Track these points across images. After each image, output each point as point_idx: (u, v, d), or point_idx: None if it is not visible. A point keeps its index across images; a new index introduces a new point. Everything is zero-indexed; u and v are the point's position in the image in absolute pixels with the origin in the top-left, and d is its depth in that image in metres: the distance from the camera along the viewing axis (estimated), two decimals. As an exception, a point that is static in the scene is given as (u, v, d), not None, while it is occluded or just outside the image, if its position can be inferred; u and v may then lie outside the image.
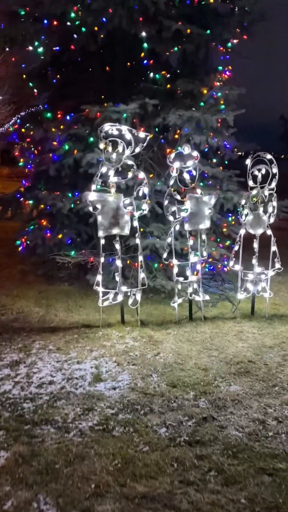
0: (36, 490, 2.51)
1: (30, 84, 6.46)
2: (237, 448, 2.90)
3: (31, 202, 6.14)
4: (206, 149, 6.03)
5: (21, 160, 6.45)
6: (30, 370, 3.89)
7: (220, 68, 6.29)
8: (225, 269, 6.34)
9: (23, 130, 6.20)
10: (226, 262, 6.18)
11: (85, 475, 2.63)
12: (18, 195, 6.35)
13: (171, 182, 4.83)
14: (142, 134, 4.65)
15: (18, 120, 6.67)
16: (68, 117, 5.68)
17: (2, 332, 4.67)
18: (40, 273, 6.27)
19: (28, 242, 6.10)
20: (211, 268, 6.35)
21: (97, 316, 5.00)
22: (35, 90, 6.68)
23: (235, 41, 6.23)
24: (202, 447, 2.90)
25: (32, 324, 4.96)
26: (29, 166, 6.46)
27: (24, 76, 6.56)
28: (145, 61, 5.78)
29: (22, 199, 6.28)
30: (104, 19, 5.26)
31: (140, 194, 4.76)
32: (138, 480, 2.60)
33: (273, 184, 4.86)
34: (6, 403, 3.39)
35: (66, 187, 5.84)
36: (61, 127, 5.58)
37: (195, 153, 4.80)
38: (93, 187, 4.64)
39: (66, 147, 5.53)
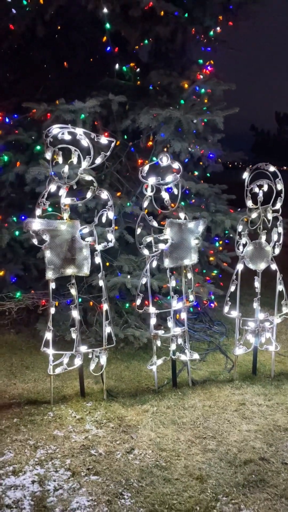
0: None
1: None
2: None
3: None
4: (187, 160, 5.07)
5: None
6: None
7: (201, 61, 5.41)
8: (211, 305, 5.43)
9: None
10: (213, 297, 5.24)
11: None
12: None
13: (145, 203, 3.75)
14: (104, 140, 3.56)
15: None
16: (7, 120, 4.71)
17: None
18: None
19: None
20: (196, 304, 5.35)
21: (48, 384, 3.84)
22: None
23: (218, 29, 5.33)
24: None
25: None
26: None
27: None
28: (108, 48, 4.90)
29: None
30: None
31: (104, 219, 3.71)
32: None
33: (278, 205, 3.84)
34: None
35: (8, 210, 4.86)
36: None
37: (176, 165, 3.74)
38: (38, 211, 3.50)
39: (6, 158, 4.57)
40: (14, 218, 4.70)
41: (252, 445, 3.12)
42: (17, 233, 4.59)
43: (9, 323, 5.00)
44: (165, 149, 4.78)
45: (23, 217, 4.67)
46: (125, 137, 5.01)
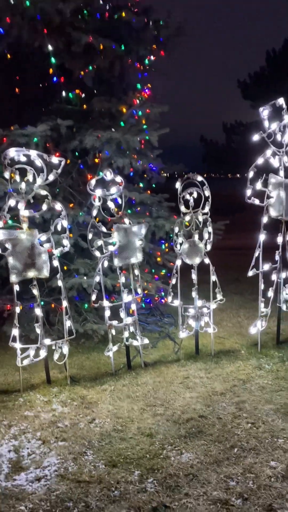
0: None
1: None
2: None
3: None
4: (132, 173, 5.70)
5: None
6: None
7: (139, 86, 6.09)
8: (162, 301, 6.01)
9: None
10: (163, 294, 5.85)
11: None
12: None
13: (94, 212, 4.34)
14: (55, 160, 4.10)
15: None
16: None
17: None
18: None
19: None
20: (148, 301, 5.96)
21: (17, 377, 4.30)
22: None
23: (152, 57, 6.05)
24: None
25: None
26: None
27: None
28: (55, 79, 5.42)
29: None
30: (1, 30, 4.75)
31: (59, 228, 4.21)
32: None
33: (207, 208, 4.55)
34: None
35: None
36: None
37: (119, 179, 4.37)
38: (0, 224, 3.98)
39: None
40: None
41: (193, 408, 3.73)
42: None
43: None
44: (111, 165, 5.36)
45: None
46: (76, 154, 5.49)
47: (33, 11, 4.72)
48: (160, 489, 2.77)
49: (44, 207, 4.12)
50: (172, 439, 3.30)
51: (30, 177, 3.99)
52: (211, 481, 2.83)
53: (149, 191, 6.14)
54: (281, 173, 4.73)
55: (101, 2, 5.52)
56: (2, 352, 4.99)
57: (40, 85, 5.85)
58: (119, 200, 4.45)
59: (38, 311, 4.18)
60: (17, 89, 5.84)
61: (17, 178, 3.99)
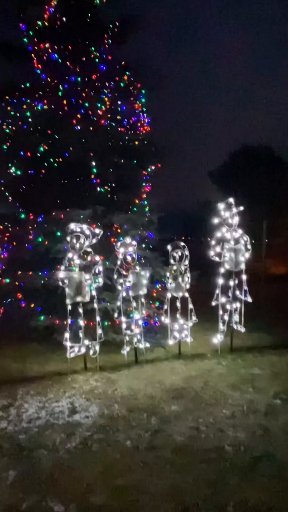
0: (43, 494, 2.69)
1: (7, 194, 6.57)
2: (181, 448, 3.26)
3: (7, 280, 6.14)
4: (138, 238, 6.63)
5: None
6: (19, 411, 3.98)
7: (144, 184, 7.05)
8: (156, 324, 6.64)
9: (1, 226, 6.37)
10: (157, 319, 6.51)
11: (77, 480, 2.86)
12: None
13: (118, 262, 5.34)
14: (97, 230, 5.15)
15: None
16: (40, 218, 5.99)
17: None
18: (13, 336, 6.18)
19: (5, 311, 6.08)
20: (146, 324, 6.77)
21: (65, 366, 5.12)
22: (8, 195, 6.71)
23: (152, 167, 7.09)
24: (157, 450, 3.22)
25: (13, 376, 4.97)
26: (3, 254, 6.43)
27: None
28: (94, 180, 6.32)
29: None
30: (66, 153, 5.98)
31: (97, 271, 5.14)
32: (114, 479, 2.86)
33: (186, 262, 5.67)
34: (4, 437, 3.47)
35: (37, 268, 5.99)
36: (35, 225, 5.93)
37: (134, 242, 5.45)
38: (62, 268, 5.03)
39: (39, 239, 5.79)
40: (40, 273, 5.94)
41: (177, 383, 4.60)
42: (42, 281, 5.86)
43: (35, 337, 6.04)
44: (126, 233, 6.24)
45: (45, 272, 5.88)
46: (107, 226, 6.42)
47: (86, 146, 5.74)
48: (159, 422, 3.68)
49: (88, 258, 5.20)
50: (165, 399, 4.19)
51: (81, 240, 5.12)
52: (188, 419, 3.74)
53: (148, 250, 7.09)
54: (232, 242, 5.66)
55: (126, 137, 6.52)
56: (52, 352, 5.73)
57: (84, 183, 6.40)
58: (133, 255, 5.44)
59: (81, 323, 5.14)
60: (65, 181, 6.44)
61: (74, 241, 5.04)
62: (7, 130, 6.46)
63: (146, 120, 7.02)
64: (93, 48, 6.65)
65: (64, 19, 6.57)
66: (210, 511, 2.55)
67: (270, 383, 4.61)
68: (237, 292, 5.77)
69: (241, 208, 5.76)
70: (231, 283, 5.73)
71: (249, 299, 5.76)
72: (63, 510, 2.54)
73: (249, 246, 5.74)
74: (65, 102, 6.36)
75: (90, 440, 3.39)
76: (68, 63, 6.53)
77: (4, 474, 2.93)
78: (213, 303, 5.75)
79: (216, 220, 5.71)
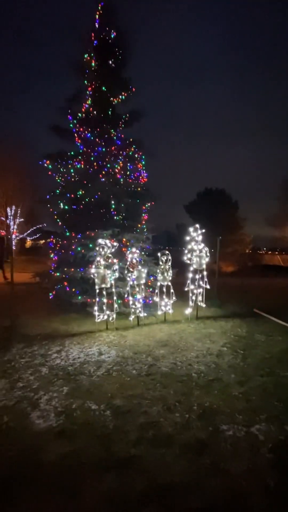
0: (84, 399, 2.94)
1: (58, 220, 6.57)
2: (166, 374, 3.50)
3: (58, 274, 6.28)
4: (140, 248, 6.66)
5: (51, 254, 6.55)
6: (67, 353, 4.16)
7: (143, 214, 7.11)
8: (150, 301, 6.65)
9: (54, 240, 6.64)
10: (151, 298, 6.55)
11: (104, 391, 3.11)
12: (50, 271, 6.55)
13: (127, 263, 5.56)
14: (114, 243, 5.47)
15: (51, 236, 6.95)
16: (79, 235, 6.18)
17: (48, 338, 4.81)
18: (61, 309, 6.27)
19: (56, 293, 6.19)
20: (144, 301, 6.97)
21: (94, 327, 5.28)
22: (58, 221, 6.74)
23: (148, 204, 7.17)
24: (152, 376, 3.46)
25: (62, 333, 5.12)
26: (55, 257, 6.56)
27: (55, 215, 6.60)
28: (112, 212, 6.48)
29: (52, 272, 6.47)
30: (96, 196, 6.25)
31: (114, 268, 5.35)
32: (126, 391, 3.09)
33: (169, 263, 5.93)
34: (59, 368, 3.68)
35: (77, 266, 6.11)
36: (75, 240, 6.15)
37: (137, 251, 5.69)
38: (93, 266, 5.30)
39: (79, 249, 5.96)
40: (78, 269, 6.06)
41: (164, 338, 4.78)
42: (80, 275, 6.10)
43: (74, 309, 6.07)
44: (132, 245, 6.32)
45: (81, 269, 5.98)
46: (121, 241, 6.65)
47: (107, 192, 5.83)
48: (152, 360, 3.89)
49: (109, 260, 5.47)
50: (156, 346, 4.39)
51: (106, 249, 5.40)
52: (170, 358, 3.96)
53: (145, 255, 7.13)
54: (197, 251, 5.89)
55: (132, 185, 6.61)
56: (85, 319, 5.81)
57: (106, 213, 6.34)
58: (136, 259, 5.66)
59: (104, 300, 5.34)
60: (92, 212, 6.43)
61: (101, 250, 5.31)
62: (58, 180, 6.72)
63: (145, 175, 7.18)
64: (112, 130, 6.88)
65: (95, 112, 6.84)
66: (183, 408, 2.84)
67: (220, 338, 4.85)
68: (201, 282, 5.97)
69: (203, 230, 6.05)
70: (197, 276, 5.94)
71: (208, 286, 5.98)
72: (97, 408, 2.81)
73: (208, 254, 5.98)
74: (95, 164, 6.57)
75: (111, 370, 3.60)
76: (97, 139, 6.76)
77: (61, 389, 3.17)
78: (186, 289, 5.94)
79: (188, 237, 6.00)
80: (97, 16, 6.89)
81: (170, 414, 2.72)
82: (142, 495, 1.79)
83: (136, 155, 6.99)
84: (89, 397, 2.98)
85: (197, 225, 6.04)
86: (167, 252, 5.90)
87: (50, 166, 6.58)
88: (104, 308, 5.31)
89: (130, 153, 6.92)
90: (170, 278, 5.85)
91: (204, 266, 5.96)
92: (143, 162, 7.18)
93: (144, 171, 7.22)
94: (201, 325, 5.60)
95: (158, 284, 5.88)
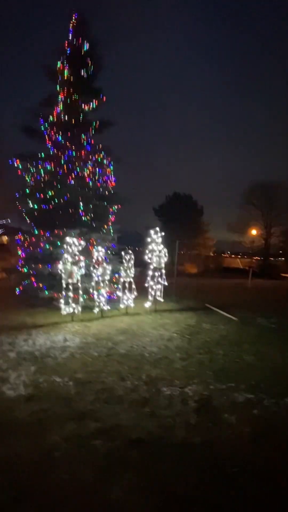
0: (50, 375, 3.35)
1: (26, 218, 6.67)
2: (123, 355, 4.00)
3: (25, 270, 6.41)
4: (106, 247, 6.96)
5: (19, 250, 6.63)
6: (34, 341, 4.47)
7: (110, 216, 7.46)
8: (114, 296, 6.99)
9: (22, 237, 6.70)
10: (114, 293, 6.91)
11: (68, 369, 3.55)
12: (17, 267, 6.63)
13: (94, 260, 6.00)
14: (82, 242, 5.85)
15: (19, 233, 6.78)
16: (47, 233, 6.38)
17: (15, 329, 5.01)
18: (28, 304, 6.38)
19: (23, 289, 6.33)
20: (108, 297, 7.40)
21: (60, 319, 5.60)
22: (27, 218, 6.85)
23: (115, 206, 7.55)
24: (111, 356, 3.95)
25: (28, 325, 5.33)
26: (23, 254, 6.64)
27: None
28: (81, 213, 6.78)
29: (20, 268, 6.55)
30: (65, 197, 6.50)
31: (81, 265, 5.71)
32: (87, 368, 3.54)
33: (132, 261, 6.45)
34: (27, 353, 4.00)
35: (45, 263, 6.31)
36: (44, 238, 6.32)
37: (102, 250, 6.18)
38: (61, 262, 5.67)
39: (47, 246, 6.20)
40: (46, 266, 6.29)
41: (124, 327, 5.28)
42: (47, 271, 6.24)
43: (41, 304, 6.30)
44: (99, 244, 6.55)
45: (49, 266, 6.22)
46: (88, 241, 7.14)
47: (78, 193, 6.36)
48: (112, 344, 4.36)
49: (76, 258, 5.83)
50: (116, 334, 4.88)
51: (73, 247, 5.80)
52: (127, 343, 4.47)
53: (111, 254, 7.20)
54: (157, 251, 6.49)
55: (101, 189, 6.88)
56: (52, 313, 6.09)
57: (75, 214, 6.67)
58: (102, 257, 6.05)
59: (70, 294, 5.75)
60: (61, 212, 6.68)
61: (69, 248, 5.68)
62: (28, 179, 6.86)
63: (113, 179, 7.54)
64: (83, 135, 7.16)
65: (66, 117, 7.10)
66: (134, 378, 3.43)
67: (173, 326, 5.52)
68: (159, 279, 6.60)
69: (163, 233, 6.77)
70: (156, 274, 6.57)
71: (166, 283, 6.64)
72: (61, 380, 3.29)
73: (166, 254, 6.63)
74: (65, 166, 6.80)
75: (75, 353, 4.02)
76: (67, 143, 6.99)
77: (28, 368, 3.53)
78: (146, 285, 6.54)
79: (149, 239, 6.65)
80: (70, 26, 7.23)
81: (123, 382, 3.30)
82: (93, 433, 2.29)
83: (104, 161, 7.35)
84: (54, 373, 3.38)
85: (157, 228, 6.72)
86: (130, 251, 6.43)
87: (20, 166, 6.70)
88: (70, 301, 5.65)
89: (99, 159, 7.26)
90: (132, 275, 6.38)
91: (163, 265, 6.59)
92: (111, 168, 7.54)
93: (112, 176, 7.56)
94: (158, 316, 6.22)
95: (122, 280, 6.37)
